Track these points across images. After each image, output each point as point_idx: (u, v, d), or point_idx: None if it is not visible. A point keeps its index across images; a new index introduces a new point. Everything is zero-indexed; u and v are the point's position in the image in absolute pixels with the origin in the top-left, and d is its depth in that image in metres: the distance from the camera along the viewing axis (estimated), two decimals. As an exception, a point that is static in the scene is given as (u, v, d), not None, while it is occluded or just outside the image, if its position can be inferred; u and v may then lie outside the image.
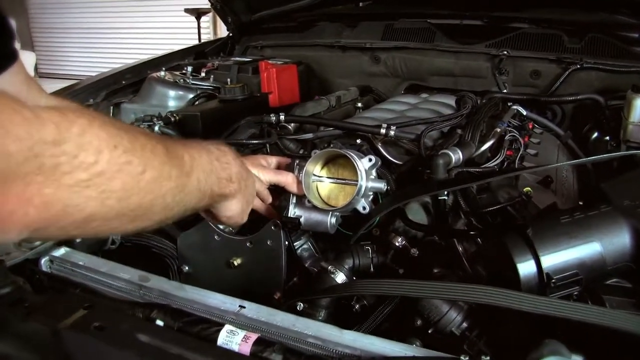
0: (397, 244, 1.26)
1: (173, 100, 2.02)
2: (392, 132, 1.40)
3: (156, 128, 1.66)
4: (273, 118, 1.57)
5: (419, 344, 1.15)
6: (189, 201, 0.84)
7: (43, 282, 1.06)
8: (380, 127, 1.42)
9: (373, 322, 1.16)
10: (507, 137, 1.51)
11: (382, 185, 1.23)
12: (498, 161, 1.42)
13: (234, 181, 0.97)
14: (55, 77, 9.24)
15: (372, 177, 1.24)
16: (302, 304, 1.21)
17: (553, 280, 0.91)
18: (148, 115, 1.79)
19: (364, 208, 1.22)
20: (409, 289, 1.00)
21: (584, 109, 1.97)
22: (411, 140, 1.43)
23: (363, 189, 1.20)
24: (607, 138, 1.76)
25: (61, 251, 1.18)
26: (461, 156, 1.30)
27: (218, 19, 7.74)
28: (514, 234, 0.98)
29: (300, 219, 1.27)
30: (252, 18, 2.63)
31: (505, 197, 1.28)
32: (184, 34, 8.12)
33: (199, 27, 6.75)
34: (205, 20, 7.43)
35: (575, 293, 0.94)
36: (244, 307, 0.99)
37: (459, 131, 1.51)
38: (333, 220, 1.27)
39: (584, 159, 1.13)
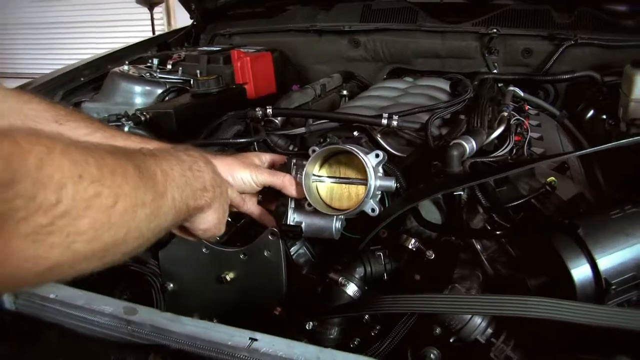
0: (410, 246, 1.14)
1: (140, 96, 1.83)
2: (394, 122, 1.27)
3: (125, 129, 1.48)
4: (259, 112, 1.41)
5: (437, 354, 1.05)
6: (165, 223, 0.72)
7: (7, 324, 0.88)
8: (380, 116, 1.28)
9: (393, 339, 1.03)
10: (512, 122, 1.40)
11: (391, 184, 1.09)
12: (508, 148, 1.30)
13: (209, 190, 0.86)
14: (5, 76, 8.79)
15: (380, 174, 1.11)
16: (311, 323, 1.08)
17: (613, 286, 0.80)
18: (114, 115, 1.60)
19: (373, 210, 1.08)
20: (439, 305, 0.88)
21: (576, 87, 1.89)
22: (415, 130, 1.30)
23: (372, 188, 1.06)
24: (604, 116, 1.67)
25: (27, 282, 1.00)
26: (475, 145, 1.17)
27: (171, 9, 7.46)
28: (561, 235, 0.86)
29: (302, 226, 1.13)
30: (217, 4, 2.45)
31: (527, 189, 1.16)
32: (135, 26, 7.79)
33: (152, 19, 6.46)
34: (158, 11, 7.14)
35: (634, 298, 0.83)
36: (256, 340, 0.84)
37: (462, 117, 1.39)
38: (338, 224, 1.14)
39: (609, 145, 1.02)
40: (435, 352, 1.05)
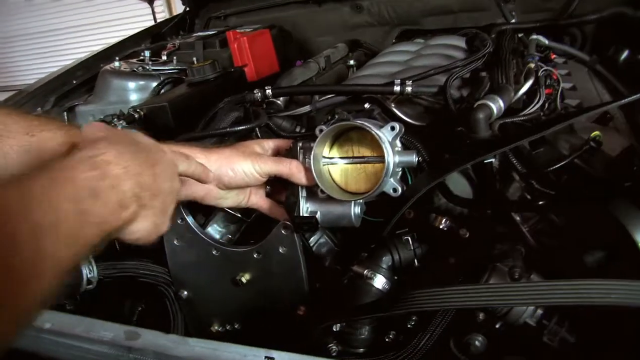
0: (441, 226, 1.01)
1: (134, 92, 1.71)
2: (408, 89, 1.13)
3: (118, 130, 1.37)
4: (258, 94, 1.28)
5: (482, 341, 0.93)
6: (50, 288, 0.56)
7: (-2, 361, 0.78)
8: (392, 84, 1.14)
9: (433, 334, 0.91)
10: (540, 73, 1.25)
11: (412, 158, 0.96)
12: (539, 103, 1.15)
13: (130, 202, 0.69)
14: (12, 89, 8.78)
15: (398, 148, 0.97)
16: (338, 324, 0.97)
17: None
18: (109, 116, 1.49)
19: (395, 190, 0.95)
20: (483, 298, 0.75)
21: (606, 28, 1.71)
22: (433, 94, 1.16)
23: (391, 166, 0.93)
24: (643, 56, 1.51)
25: (19, 311, 0.91)
26: (502, 105, 1.03)
27: (172, 0, 7.33)
28: (620, 199, 0.72)
29: (317, 216, 1.01)
30: (207, -15, 2.31)
31: (567, 148, 1.02)
32: (138, 22, 7.65)
33: (153, 13, 6.34)
34: (159, 4, 7.02)
35: None
36: (272, 358, 0.72)
37: (484, 74, 1.25)
38: (357, 210, 1.01)
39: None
40: (480, 338, 0.94)
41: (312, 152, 0.97)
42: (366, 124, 0.93)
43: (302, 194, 1.02)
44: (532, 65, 1.22)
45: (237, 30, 1.84)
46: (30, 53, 8.92)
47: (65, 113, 1.74)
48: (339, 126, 0.97)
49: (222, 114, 1.21)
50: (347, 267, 1.07)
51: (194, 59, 1.86)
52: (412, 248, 1.01)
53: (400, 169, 0.99)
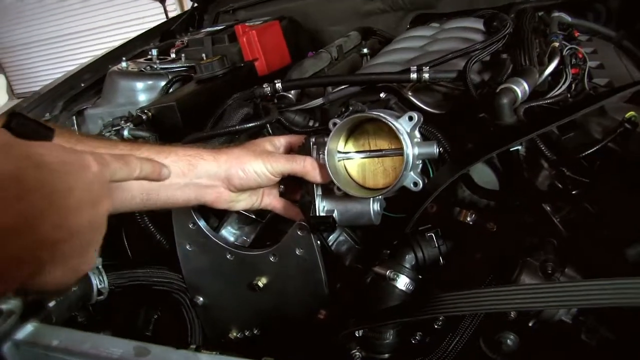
0: (467, 220, 0.95)
1: (143, 93, 1.66)
2: (426, 75, 1.06)
3: (125, 133, 1.33)
4: (267, 88, 1.22)
5: (514, 339, 0.87)
6: None
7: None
8: (408, 71, 1.08)
9: (462, 335, 0.86)
10: (565, 53, 1.17)
11: (432, 149, 0.89)
12: (566, 84, 1.08)
13: (25, 263, 0.53)
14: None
15: (417, 139, 0.91)
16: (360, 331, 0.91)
17: None
18: (117, 119, 1.45)
19: (416, 184, 0.89)
20: (516, 300, 0.69)
21: (631, 1, 1.62)
22: (452, 80, 1.09)
23: (411, 158, 0.87)
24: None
25: (28, 329, 0.87)
26: (527, 88, 0.96)
27: (184, -1, 7.31)
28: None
29: (334, 215, 0.95)
30: (215, -20, 2.26)
31: (599, 131, 0.94)
32: (153, 22, 7.68)
33: (165, 12, 6.32)
34: (171, 2, 7.02)
35: None
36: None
37: (505, 57, 1.17)
38: (377, 207, 0.95)
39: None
40: (512, 337, 0.88)
41: (326, 148, 0.92)
42: (382, 114, 0.87)
43: (318, 192, 0.97)
44: (557, 44, 1.15)
45: (246, 24, 1.78)
46: (48, 58, 9.01)
47: (74, 117, 1.71)
48: (353, 119, 0.91)
49: (231, 111, 1.15)
50: (369, 265, 1.02)
51: (203, 55, 1.81)
52: (436, 245, 0.94)
53: (421, 161, 0.93)
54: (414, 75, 1.07)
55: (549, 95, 1.02)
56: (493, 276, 0.89)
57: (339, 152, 0.96)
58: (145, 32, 2.23)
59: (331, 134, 0.92)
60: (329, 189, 0.96)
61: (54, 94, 1.75)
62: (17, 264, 0.52)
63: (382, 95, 1.13)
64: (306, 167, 0.94)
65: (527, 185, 0.95)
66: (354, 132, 0.97)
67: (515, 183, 0.96)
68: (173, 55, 1.89)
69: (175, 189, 0.90)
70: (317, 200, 0.96)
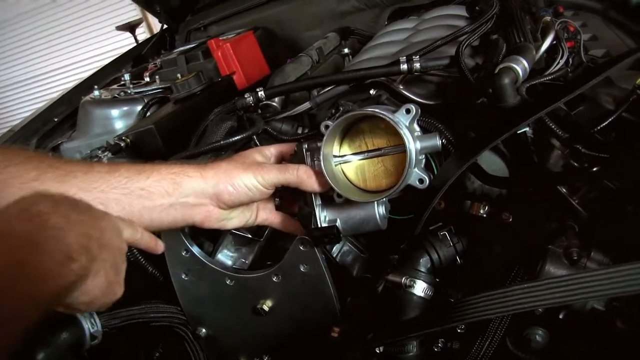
0: (481, 212, 0.88)
1: (119, 120, 1.58)
2: (417, 65, 1.00)
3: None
4: (249, 98, 1.15)
5: (544, 334, 0.81)
6: None
7: None
8: (398, 62, 1.01)
9: (492, 340, 0.79)
10: (557, 27, 1.11)
11: (435, 141, 0.82)
12: (564, 59, 1.02)
13: (77, 255, 0.58)
14: None
15: (418, 133, 0.84)
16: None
17: None
18: (95, 150, 1.37)
19: (422, 181, 0.81)
20: (550, 295, 0.62)
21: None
22: (444, 68, 1.02)
23: (414, 153, 0.80)
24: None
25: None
26: (527, 65, 0.90)
27: (152, 25, 7.27)
28: None
29: (337, 224, 0.88)
30: (182, -2, 2.19)
31: (610, 101, 0.88)
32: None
33: (136, 41, 6.24)
34: (141, 32, 6.95)
35: None
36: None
37: (496, 37, 1.11)
38: (382, 210, 0.88)
39: None
40: (541, 332, 0.81)
41: (321, 153, 0.84)
42: (378, 110, 0.80)
43: (317, 201, 0.89)
44: (548, 18, 1.09)
45: (219, 38, 1.72)
46: (18, 101, 8.87)
47: (50, 154, 1.62)
48: (347, 118, 0.84)
49: (213, 126, 1.08)
50: (379, 274, 0.95)
51: (178, 75, 1.74)
52: (451, 243, 0.88)
53: (424, 156, 0.86)
54: (404, 67, 1.01)
55: (549, 72, 0.96)
56: (516, 270, 0.82)
57: (335, 156, 0.88)
58: (116, 59, 2.15)
59: (325, 137, 0.84)
60: (328, 197, 0.89)
61: (26, 131, 1.67)
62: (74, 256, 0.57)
63: (372, 92, 1.07)
64: (300, 175, 0.86)
65: (540, 168, 0.88)
66: (348, 133, 0.89)
67: (526, 167, 0.89)
68: (147, 79, 1.82)
69: (160, 210, 0.82)
70: (317, 211, 0.88)
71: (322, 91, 1.12)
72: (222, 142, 1.03)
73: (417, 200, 0.88)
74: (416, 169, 0.82)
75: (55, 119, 1.74)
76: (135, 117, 1.58)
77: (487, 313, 0.66)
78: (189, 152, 1.05)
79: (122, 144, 1.30)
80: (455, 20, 1.35)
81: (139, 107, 1.58)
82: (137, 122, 1.52)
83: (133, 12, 6.54)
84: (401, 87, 1.05)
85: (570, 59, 1.06)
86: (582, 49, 1.10)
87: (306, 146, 0.89)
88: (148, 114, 1.56)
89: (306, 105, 1.11)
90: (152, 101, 1.58)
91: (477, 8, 1.34)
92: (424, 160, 0.87)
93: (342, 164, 0.89)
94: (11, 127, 1.76)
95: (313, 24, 1.95)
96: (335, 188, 0.84)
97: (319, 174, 0.85)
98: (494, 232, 0.88)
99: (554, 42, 1.06)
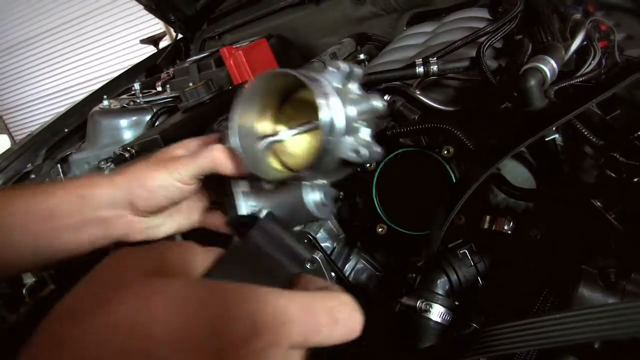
0: (505, 228, 0.80)
1: (128, 130, 1.54)
2: (434, 67, 0.92)
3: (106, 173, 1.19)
4: (254, 106, 1.08)
5: None
6: None
7: None
8: (413, 65, 0.93)
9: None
10: (588, 25, 1.03)
11: (377, 103, 0.64)
12: (596, 60, 0.93)
13: None
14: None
15: (355, 94, 0.64)
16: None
17: None
18: (102, 161, 1.32)
19: (357, 152, 0.61)
20: (600, 326, 0.53)
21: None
22: (464, 70, 0.94)
23: (336, 117, 0.60)
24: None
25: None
26: (555, 66, 0.81)
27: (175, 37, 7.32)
28: None
29: (261, 212, 0.69)
30: (197, 8, 2.15)
31: (650, 103, 0.80)
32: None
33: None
34: (164, 45, 7.01)
35: None
36: None
37: (520, 37, 1.03)
38: (316, 196, 0.68)
39: None
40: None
41: (232, 125, 0.66)
42: (291, 71, 0.61)
43: (237, 187, 0.71)
44: (578, 15, 1.01)
45: (231, 46, 1.66)
46: (51, 112, 9.03)
47: (59, 165, 1.58)
48: (263, 80, 0.65)
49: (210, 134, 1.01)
50: (395, 294, 0.86)
51: (190, 84, 1.69)
52: (472, 263, 0.79)
53: (366, 123, 0.64)
54: (420, 69, 0.93)
55: (580, 73, 0.88)
56: (546, 293, 0.73)
57: (260, 132, 0.70)
58: (129, 69, 2.12)
59: (237, 106, 0.66)
60: (255, 183, 0.71)
61: (36, 142, 1.64)
62: None
63: (386, 97, 0.99)
64: (216, 158, 0.68)
65: (571, 179, 0.79)
66: (282, 108, 0.72)
67: (555, 178, 0.81)
68: (159, 88, 1.78)
69: (72, 232, 0.69)
70: (239, 197, 0.70)
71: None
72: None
73: (434, 214, 0.80)
74: (348, 139, 0.63)
75: (66, 130, 1.70)
76: (144, 126, 1.53)
77: (512, 347, 0.57)
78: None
79: (127, 155, 1.24)
80: (477, 23, 1.27)
81: (148, 117, 1.53)
82: (145, 131, 1.47)
83: (157, 26, 6.63)
84: (418, 92, 0.97)
85: (603, 60, 0.98)
86: (616, 48, 1.01)
87: (221, 122, 0.71)
88: (157, 123, 1.51)
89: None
90: (160, 110, 1.53)
91: (499, 9, 1.26)
92: (367, 130, 0.65)
93: (273, 144, 0.71)
94: (30, 132, 1.73)
95: (329, 31, 1.88)
96: (252, 169, 0.66)
97: (237, 155, 0.67)
98: (519, 250, 0.79)
99: (585, 42, 0.98)
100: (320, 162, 0.62)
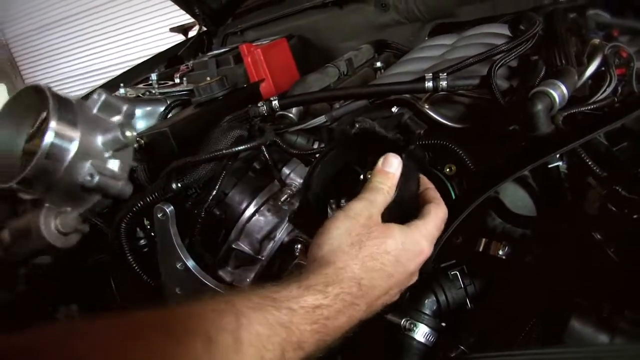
0: (500, 253, 0.78)
1: (141, 120, 1.53)
2: (443, 83, 0.91)
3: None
4: (262, 107, 1.08)
5: None
6: None
7: None
8: (423, 79, 0.92)
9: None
10: (607, 51, 1.00)
11: (114, 134, 0.84)
12: (611, 87, 0.91)
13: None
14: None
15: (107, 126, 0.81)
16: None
17: None
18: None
19: (92, 176, 0.80)
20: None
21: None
22: (474, 88, 0.93)
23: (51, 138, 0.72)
24: None
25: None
26: (566, 91, 0.80)
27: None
28: None
29: None
30: (222, 2, 2.16)
31: (659, 137, 0.77)
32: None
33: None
34: (194, 34, 7.06)
35: None
36: None
37: (535, 58, 1.01)
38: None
39: None
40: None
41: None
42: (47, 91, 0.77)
43: None
44: (597, 40, 0.98)
45: (251, 44, 1.66)
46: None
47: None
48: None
49: (219, 133, 1.01)
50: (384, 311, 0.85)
51: (208, 78, 1.69)
52: (462, 285, 0.78)
53: (110, 152, 0.86)
54: (429, 84, 0.92)
55: (592, 100, 0.86)
56: (534, 324, 0.72)
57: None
58: (150, 58, 2.13)
59: None
60: None
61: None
62: None
63: (394, 109, 0.98)
64: None
65: (572, 209, 0.78)
66: None
67: (556, 207, 0.79)
68: (177, 80, 1.78)
69: None
70: None
71: (342, 105, 1.04)
72: (224, 151, 0.96)
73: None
74: (88, 163, 0.78)
75: (81, 115, 1.71)
76: (157, 117, 1.53)
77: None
78: (188, 159, 0.98)
79: (136, 145, 1.25)
80: (497, 39, 1.25)
81: (161, 108, 1.53)
82: (158, 123, 1.48)
83: (187, 15, 6.68)
84: (426, 106, 0.96)
85: (619, 88, 0.95)
86: (634, 77, 0.99)
87: None
88: (170, 115, 1.51)
89: (321, 119, 1.03)
90: (174, 103, 1.53)
91: (521, 26, 1.23)
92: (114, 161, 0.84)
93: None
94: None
95: (350, 35, 1.87)
96: None
97: None
98: (513, 276, 0.78)
99: (602, 67, 0.96)
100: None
